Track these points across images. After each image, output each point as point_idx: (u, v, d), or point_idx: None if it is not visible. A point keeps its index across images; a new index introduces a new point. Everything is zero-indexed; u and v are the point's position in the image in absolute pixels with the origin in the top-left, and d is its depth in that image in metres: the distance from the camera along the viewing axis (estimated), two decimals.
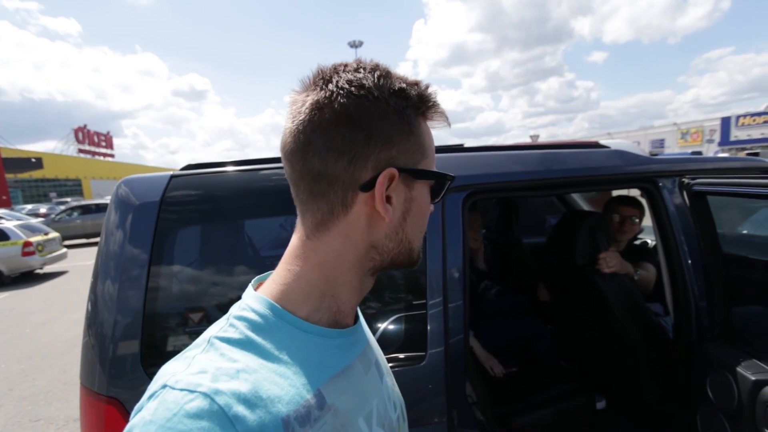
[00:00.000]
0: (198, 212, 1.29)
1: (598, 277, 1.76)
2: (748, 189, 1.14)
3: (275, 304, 0.44)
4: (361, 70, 0.44)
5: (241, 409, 0.35)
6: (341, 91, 0.42)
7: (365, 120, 0.42)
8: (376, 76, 0.44)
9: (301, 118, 0.43)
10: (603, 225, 1.88)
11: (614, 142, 1.60)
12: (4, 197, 21.99)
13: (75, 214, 13.41)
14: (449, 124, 0.50)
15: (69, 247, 10.61)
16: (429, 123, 0.49)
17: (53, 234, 9.27)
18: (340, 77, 0.43)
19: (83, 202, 14.96)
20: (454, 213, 1.30)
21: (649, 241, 2.59)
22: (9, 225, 8.38)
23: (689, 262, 1.43)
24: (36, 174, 37.15)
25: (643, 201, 1.84)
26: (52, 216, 13.76)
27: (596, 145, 1.61)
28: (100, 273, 1.20)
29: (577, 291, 1.97)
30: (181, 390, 0.35)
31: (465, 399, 1.27)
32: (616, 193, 2.39)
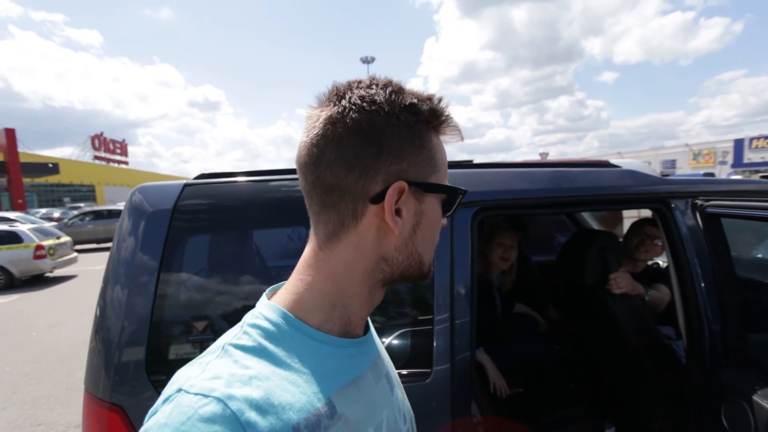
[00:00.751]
0: (209, 221, 1.31)
1: (608, 297, 1.73)
2: (764, 212, 1.12)
3: (288, 313, 0.45)
4: (374, 87, 0.45)
5: (252, 415, 0.36)
6: (353, 107, 0.44)
7: (375, 134, 0.43)
8: (387, 92, 0.45)
9: (315, 132, 0.45)
10: (613, 245, 1.85)
11: (625, 162, 1.59)
12: (20, 201, 22.46)
13: (87, 219, 13.64)
14: (462, 138, 0.51)
15: (80, 251, 10.75)
16: (442, 137, 0.49)
17: (65, 238, 9.42)
18: (353, 93, 0.45)
19: (96, 208, 15.21)
20: (462, 229, 1.30)
21: (660, 263, 2.55)
22: (22, 228, 8.54)
23: (702, 285, 1.39)
24: (52, 179, 37.97)
25: None
26: (65, 220, 14.01)
27: (607, 164, 1.60)
28: (110, 278, 1.21)
29: (586, 311, 1.93)
30: (196, 394, 0.36)
31: (470, 418, 1.24)
32: (627, 213, 2.36)
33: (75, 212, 16.09)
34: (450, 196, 0.49)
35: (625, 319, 1.68)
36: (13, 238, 8.18)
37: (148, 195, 1.27)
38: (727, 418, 1.20)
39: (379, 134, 0.43)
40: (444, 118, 0.47)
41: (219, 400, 0.35)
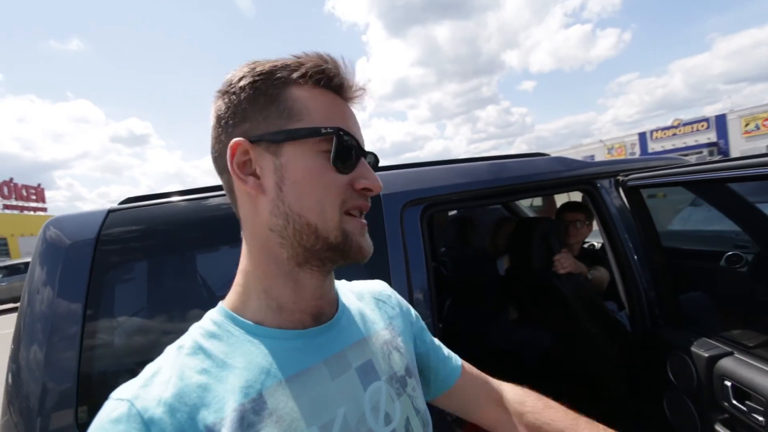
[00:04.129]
0: (142, 250, 1.18)
1: (555, 278, 1.83)
2: (676, 177, 1.25)
3: (228, 310, 0.46)
4: (242, 71, 0.47)
5: (158, 412, 0.37)
6: (215, 96, 0.48)
7: (223, 116, 0.46)
8: (242, 71, 0.47)
9: None
10: (554, 229, 1.97)
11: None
12: None
13: (0, 275, 11.98)
14: (338, 72, 0.46)
15: None
16: (314, 87, 0.45)
17: None
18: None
19: (9, 262, 13.41)
20: (413, 228, 1.30)
21: (596, 244, 2.75)
22: None
23: (635, 257, 1.52)
24: None
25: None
26: None
27: (537, 154, 1.72)
28: (23, 337, 1.05)
29: (536, 295, 2.02)
30: (115, 399, 0.39)
31: (444, 416, 1.22)
32: (561, 200, 2.53)
33: None
34: (328, 141, 0.44)
35: (572, 296, 1.77)
36: None
37: (64, 227, 1.13)
38: (672, 372, 1.30)
39: (225, 114, 0.46)
40: (304, 70, 0.44)
41: (127, 401, 0.38)
